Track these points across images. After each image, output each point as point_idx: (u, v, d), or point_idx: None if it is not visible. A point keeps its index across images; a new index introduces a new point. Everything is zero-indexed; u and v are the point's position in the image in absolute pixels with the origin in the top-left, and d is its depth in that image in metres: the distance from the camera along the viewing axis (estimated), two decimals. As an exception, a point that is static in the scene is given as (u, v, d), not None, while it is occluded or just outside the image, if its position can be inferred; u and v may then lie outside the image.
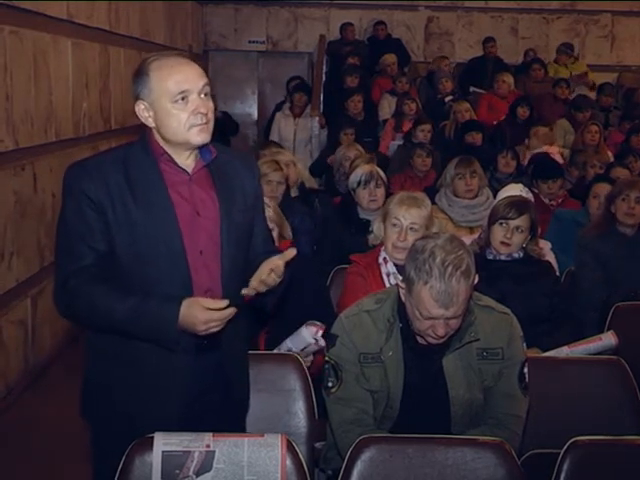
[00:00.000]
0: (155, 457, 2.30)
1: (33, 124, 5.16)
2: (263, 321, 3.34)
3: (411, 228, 3.50)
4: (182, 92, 2.33)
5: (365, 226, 4.45)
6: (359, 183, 4.61)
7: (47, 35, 5.40)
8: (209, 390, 2.49)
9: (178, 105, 2.34)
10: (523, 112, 8.22)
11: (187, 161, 2.43)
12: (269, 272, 2.35)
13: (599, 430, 2.70)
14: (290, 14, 11.43)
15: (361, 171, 4.68)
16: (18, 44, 4.93)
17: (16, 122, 4.91)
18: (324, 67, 10.30)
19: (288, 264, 2.39)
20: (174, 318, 2.28)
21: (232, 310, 2.29)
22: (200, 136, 2.37)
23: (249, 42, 11.49)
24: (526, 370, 2.69)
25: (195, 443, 2.31)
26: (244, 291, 2.37)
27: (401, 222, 3.52)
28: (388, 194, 4.50)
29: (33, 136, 5.18)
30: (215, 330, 2.31)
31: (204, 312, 2.28)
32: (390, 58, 9.82)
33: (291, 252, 2.39)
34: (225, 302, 2.29)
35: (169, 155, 2.41)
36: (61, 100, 5.64)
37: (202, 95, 2.37)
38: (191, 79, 2.35)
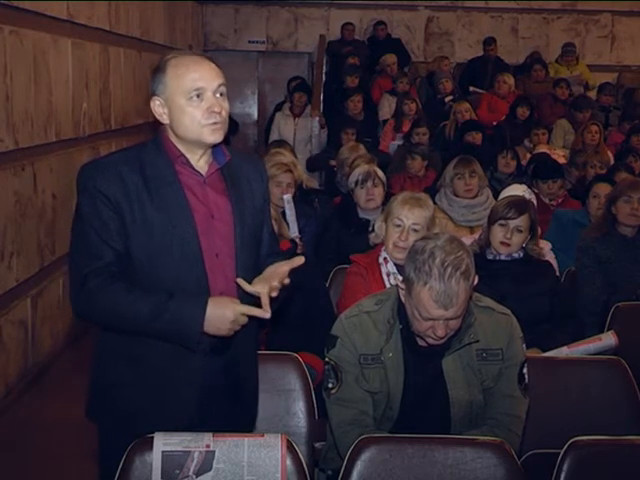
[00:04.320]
0: (155, 457, 2.30)
1: (33, 124, 5.15)
2: (261, 323, 3.32)
3: (413, 228, 3.49)
4: (197, 89, 2.33)
5: (365, 226, 4.45)
6: (357, 183, 4.62)
7: (47, 35, 5.40)
8: (219, 392, 2.47)
9: (192, 102, 2.34)
10: (523, 112, 8.24)
11: (200, 163, 2.42)
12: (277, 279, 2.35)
13: (599, 430, 2.70)
14: (290, 14, 11.43)
15: (359, 171, 4.69)
16: (18, 44, 4.93)
17: (16, 122, 4.91)
18: (324, 67, 10.29)
19: (292, 270, 2.39)
20: (200, 317, 2.27)
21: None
22: (213, 135, 2.36)
23: (249, 42, 11.49)
24: (526, 371, 2.69)
25: (195, 443, 2.30)
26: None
27: (403, 222, 3.51)
28: (388, 194, 4.50)
29: (33, 136, 5.17)
30: (236, 329, 2.32)
31: (235, 310, 2.29)
32: (390, 58, 9.82)
33: (299, 260, 2.39)
34: (263, 312, 2.31)
35: (185, 157, 2.40)
36: (61, 100, 5.64)
37: (217, 95, 2.36)
38: (207, 78, 2.34)
